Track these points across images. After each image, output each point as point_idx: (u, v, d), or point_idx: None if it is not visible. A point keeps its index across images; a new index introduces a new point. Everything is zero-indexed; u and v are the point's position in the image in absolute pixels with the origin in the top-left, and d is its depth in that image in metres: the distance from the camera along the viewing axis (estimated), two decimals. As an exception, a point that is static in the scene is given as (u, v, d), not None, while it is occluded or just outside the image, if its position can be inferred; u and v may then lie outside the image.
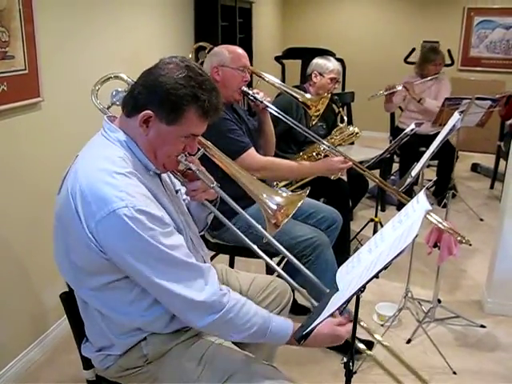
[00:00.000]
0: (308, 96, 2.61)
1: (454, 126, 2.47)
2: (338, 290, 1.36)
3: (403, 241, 1.15)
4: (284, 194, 1.71)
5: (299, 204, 1.67)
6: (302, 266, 1.64)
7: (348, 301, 1.21)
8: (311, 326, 1.24)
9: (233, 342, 1.61)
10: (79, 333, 1.57)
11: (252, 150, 2.38)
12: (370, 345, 2.51)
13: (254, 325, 1.41)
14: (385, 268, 1.14)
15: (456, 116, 2.49)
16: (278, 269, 1.63)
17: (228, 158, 1.84)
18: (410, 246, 1.21)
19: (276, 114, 2.46)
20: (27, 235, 2.41)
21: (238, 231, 1.62)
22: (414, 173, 2.51)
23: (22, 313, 2.45)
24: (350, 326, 1.45)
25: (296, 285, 1.60)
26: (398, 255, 1.13)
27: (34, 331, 2.53)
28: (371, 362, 2.48)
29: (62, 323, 2.63)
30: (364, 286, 1.18)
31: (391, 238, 1.25)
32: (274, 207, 1.65)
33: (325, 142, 2.62)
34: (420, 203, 1.28)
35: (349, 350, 1.41)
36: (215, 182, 1.58)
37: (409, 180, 2.50)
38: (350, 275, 1.34)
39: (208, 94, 1.39)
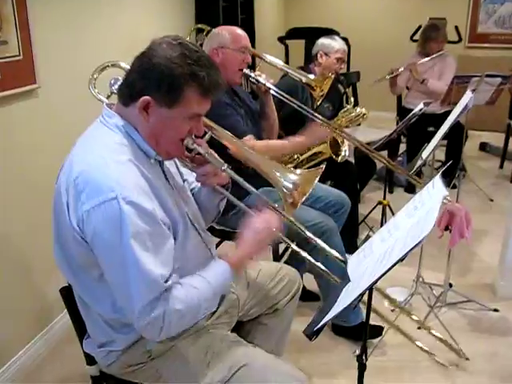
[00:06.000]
0: (311, 77, 2.53)
1: (466, 105, 2.37)
2: (349, 280, 1.29)
3: (420, 229, 1.08)
4: (298, 172, 1.63)
5: (316, 181, 1.60)
6: (319, 241, 1.59)
7: (362, 294, 1.14)
8: (323, 320, 1.17)
9: (239, 335, 1.56)
10: (81, 328, 1.52)
11: (249, 137, 2.28)
12: (380, 330, 2.47)
13: (200, 300, 1.32)
14: (401, 260, 1.07)
15: (468, 95, 2.40)
16: (294, 246, 1.58)
17: (237, 139, 1.76)
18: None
19: (279, 96, 2.38)
20: (27, 226, 2.35)
21: (253, 213, 1.54)
22: (424, 155, 2.43)
23: (25, 306, 2.41)
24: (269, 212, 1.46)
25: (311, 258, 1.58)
26: (416, 246, 1.06)
27: (38, 324, 2.50)
28: (382, 349, 2.44)
29: (65, 316, 2.58)
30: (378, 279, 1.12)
31: (407, 226, 1.17)
32: (290, 186, 1.59)
33: (331, 123, 2.54)
34: (436, 188, 1.20)
35: (361, 337, 1.36)
36: (226, 164, 1.51)
37: (419, 162, 2.42)
38: (362, 266, 1.27)
39: (206, 69, 1.31)
